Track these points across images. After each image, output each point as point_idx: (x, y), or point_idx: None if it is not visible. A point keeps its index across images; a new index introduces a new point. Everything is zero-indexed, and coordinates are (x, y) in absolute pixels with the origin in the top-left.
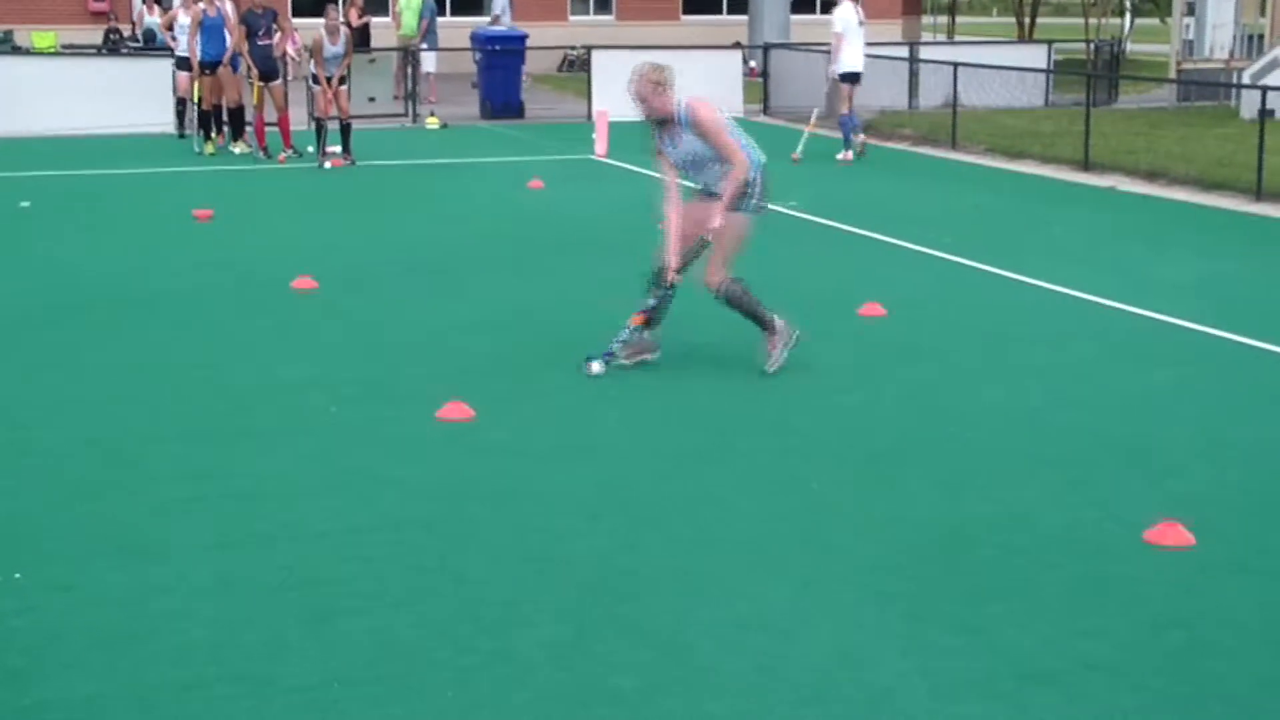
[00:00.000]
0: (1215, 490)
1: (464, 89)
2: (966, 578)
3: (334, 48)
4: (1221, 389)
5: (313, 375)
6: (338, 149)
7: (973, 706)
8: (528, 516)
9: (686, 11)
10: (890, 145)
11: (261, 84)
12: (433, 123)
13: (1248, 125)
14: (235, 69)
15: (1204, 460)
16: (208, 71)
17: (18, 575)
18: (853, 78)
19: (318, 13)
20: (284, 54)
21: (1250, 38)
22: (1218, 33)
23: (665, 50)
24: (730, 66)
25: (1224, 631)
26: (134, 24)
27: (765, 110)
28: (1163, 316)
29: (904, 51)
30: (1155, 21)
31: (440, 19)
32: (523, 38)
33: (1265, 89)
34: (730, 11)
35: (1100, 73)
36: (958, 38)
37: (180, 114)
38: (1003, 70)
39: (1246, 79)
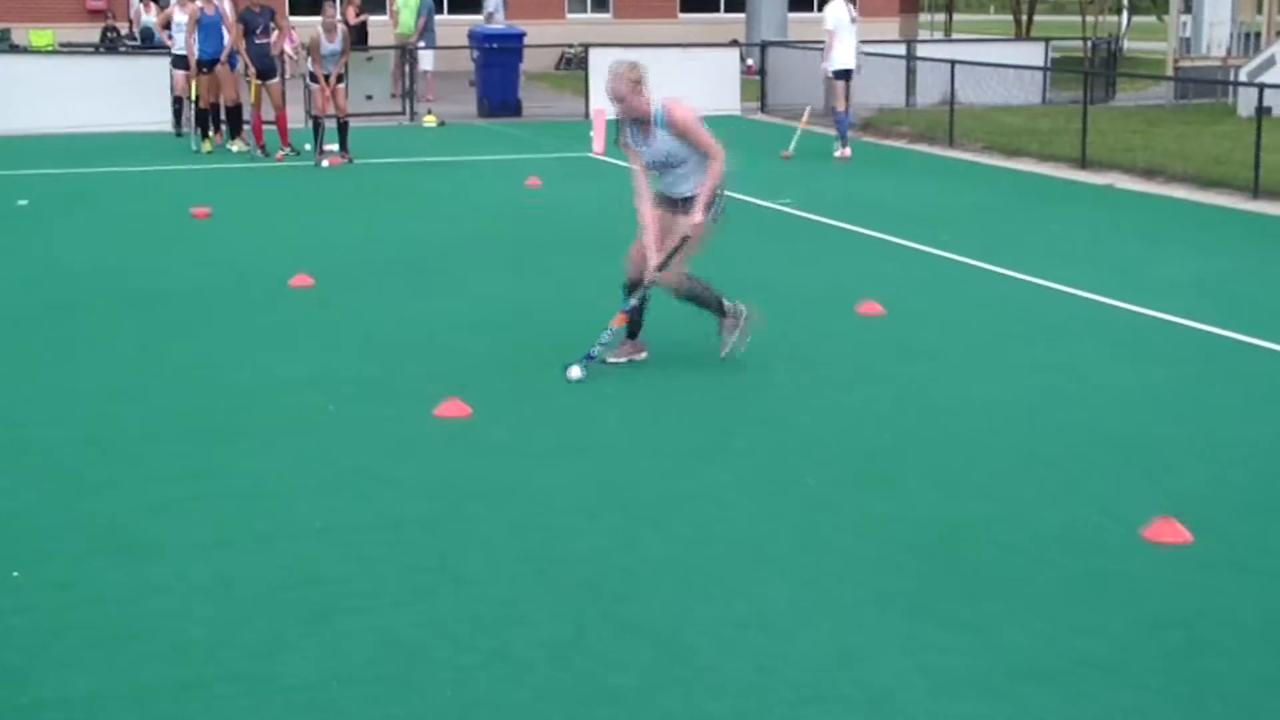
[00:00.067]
0: (1214, 488)
1: (461, 87)
2: (965, 576)
3: (331, 45)
4: (1219, 386)
5: (311, 374)
6: (335, 147)
7: (972, 705)
8: (527, 515)
9: (684, 9)
10: (887, 143)
11: (259, 82)
12: (430, 121)
13: (1245, 123)
14: (233, 67)
15: (1202, 458)
16: (205, 70)
17: (16, 574)
18: (845, 74)
19: (315, 10)
20: (281, 52)
21: (1247, 35)
22: (1215, 30)
23: (662, 48)
24: (728, 64)
25: (1223, 630)
26: (131, 22)
27: (763, 108)
28: (1160, 314)
29: (901, 49)
30: (1152, 19)
31: (438, 17)
32: (520, 36)
33: (1262, 86)
34: (728, 9)
35: (1097, 70)
36: (955, 35)
37: (177, 112)
38: (1000, 68)
39: (1243, 77)
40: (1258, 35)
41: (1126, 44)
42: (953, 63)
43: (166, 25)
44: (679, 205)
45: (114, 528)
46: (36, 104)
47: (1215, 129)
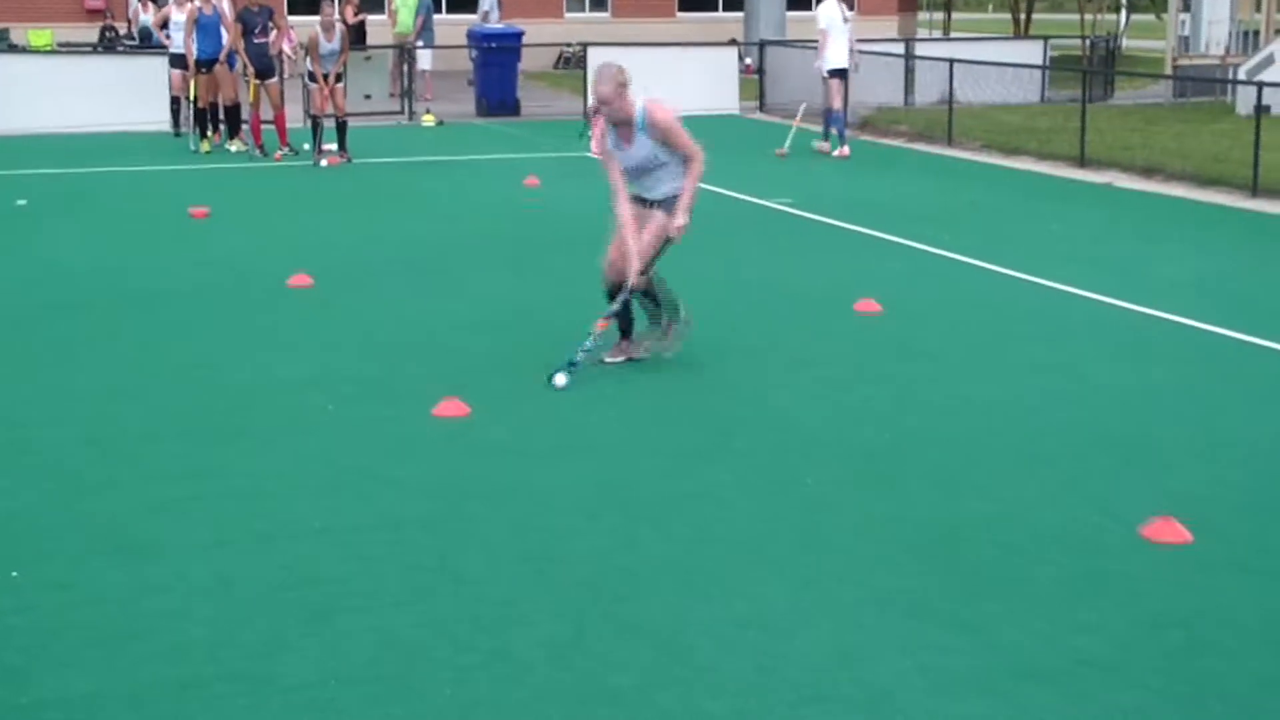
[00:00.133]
0: (1213, 488)
1: (460, 86)
2: (965, 576)
3: (330, 44)
4: (1219, 386)
5: (310, 374)
6: (334, 147)
7: (972, 705)
8: (526, 515)
9: (682, 8)
10: (886, 142)
11: (257, 82)
12: (429, 120)
13: (1243, 121)
14: (231, 67)
15: (1201, 457)
16: (204, 69)
17: (15, 573)
18: (840, 73)
19: (313, 10)
20: (280, 52)
21: (1246, 34)
22: (1213, 29)
23: (661, 47)
24: (726, 63)
25: (1223, 630)
26: (130, 22)
27: (761, 107)
28: (1159, 313)
29: (900, 48)
30: (1151, 17)
31: (436, 16)
32: (519, 35)
33: (1261, 85)
34: (726, 8)
35: (1096, 69)
36: (953, 34)
37: (175, 112)
38: (999, 66)
39: (1242, 75)
40: (1256, 33)
41: (1125, 42)
42: (951, 61)
43: (164, 24)
44: (654, 205)
45: (114, 528)
46: (35, 104)
47: (1214, 127)
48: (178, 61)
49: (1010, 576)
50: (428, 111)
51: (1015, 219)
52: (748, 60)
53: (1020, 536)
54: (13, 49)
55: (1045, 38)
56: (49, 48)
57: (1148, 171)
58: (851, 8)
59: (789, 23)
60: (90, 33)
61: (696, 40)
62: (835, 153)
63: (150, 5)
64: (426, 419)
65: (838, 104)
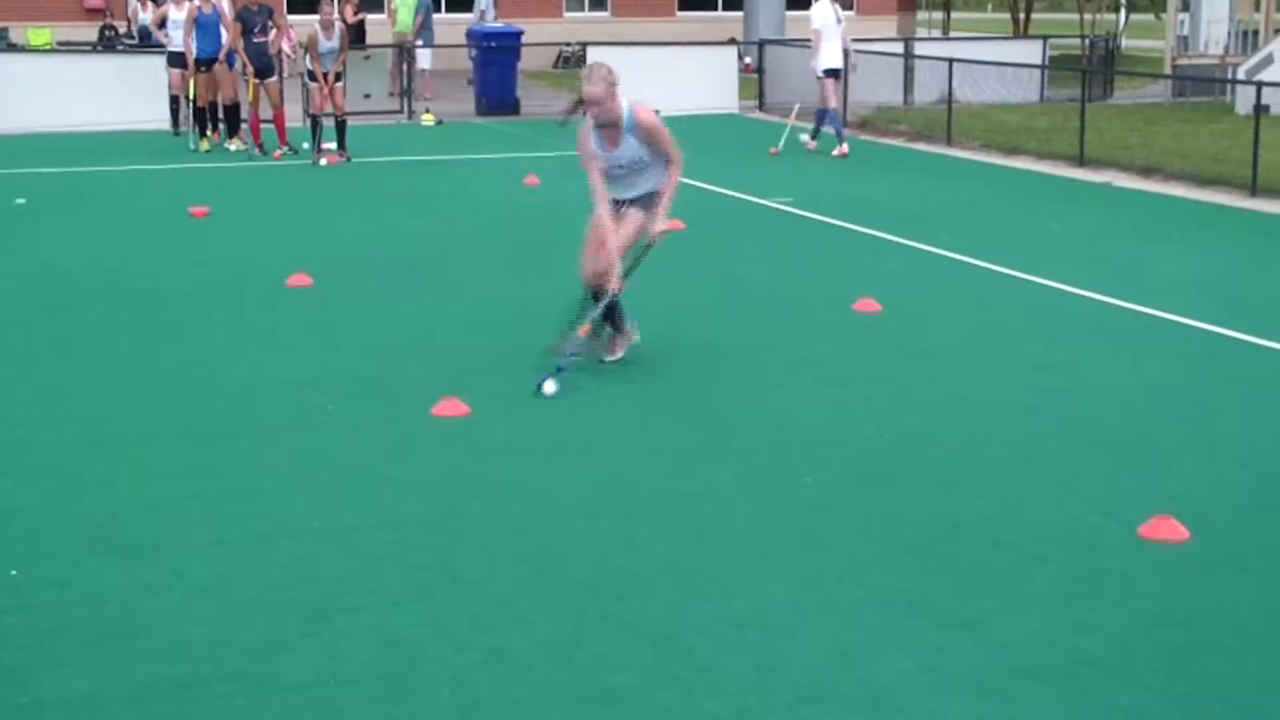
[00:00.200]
0: (1213, 487)
1: (459, 85)
2: (964, 575)
3: (329, 43)
4: (1218, 385)
5: (309, 373)
6: (333, 146)
7: (971, 704)
8: (525, 515)
9: (682, 7)
10: (885, 141)
11: (257, 81)
12: (428, 120)
13: (1243, 121)
14: (231, 66)
15: (1201, 457)
16: (203, 68)
17: (14, 573)
18: (834, 73)
19: (313, 9)
20: (279, 51)
21: (1245, 33)
22: (1213, 28)
23: (660, 46)
24: (726, 62)
25: (1222, 630)
26: (129, 21)
27: (760, 106)
28: (1158, 312)
29: (899, 47)
30: (1150, 17)
31: (435, 16)
32: (518, 34)
33: (1260, 84)
34: (726, 8)
35: (1095, 68)
36: (953, 33)
37: (174, 111)
38: (998, 66)
39: (1241, 75)
40: (1255, 33)
41: (1124, 42)
42: (951, 61)
43: (161, 24)
44: (630, 204)
45: (113, 527)
46: (34, 103)
47: (1213, 127)
48: (176, 60)
49: (1010, 576)
50: (427, 111)
51: (1014, 218)
52: (747, 59)
53: (1020, 536)
54: (12, 48)
55: (1044, 37)
56: (48, 47)
57: (1147, 171)
58: (845, 7)
59: (788, 22)
60: (90, 32)
61: (696, 40)
62: (835, 151)
63: (149, 4)
64: (426, 419)
65: (833, 103)
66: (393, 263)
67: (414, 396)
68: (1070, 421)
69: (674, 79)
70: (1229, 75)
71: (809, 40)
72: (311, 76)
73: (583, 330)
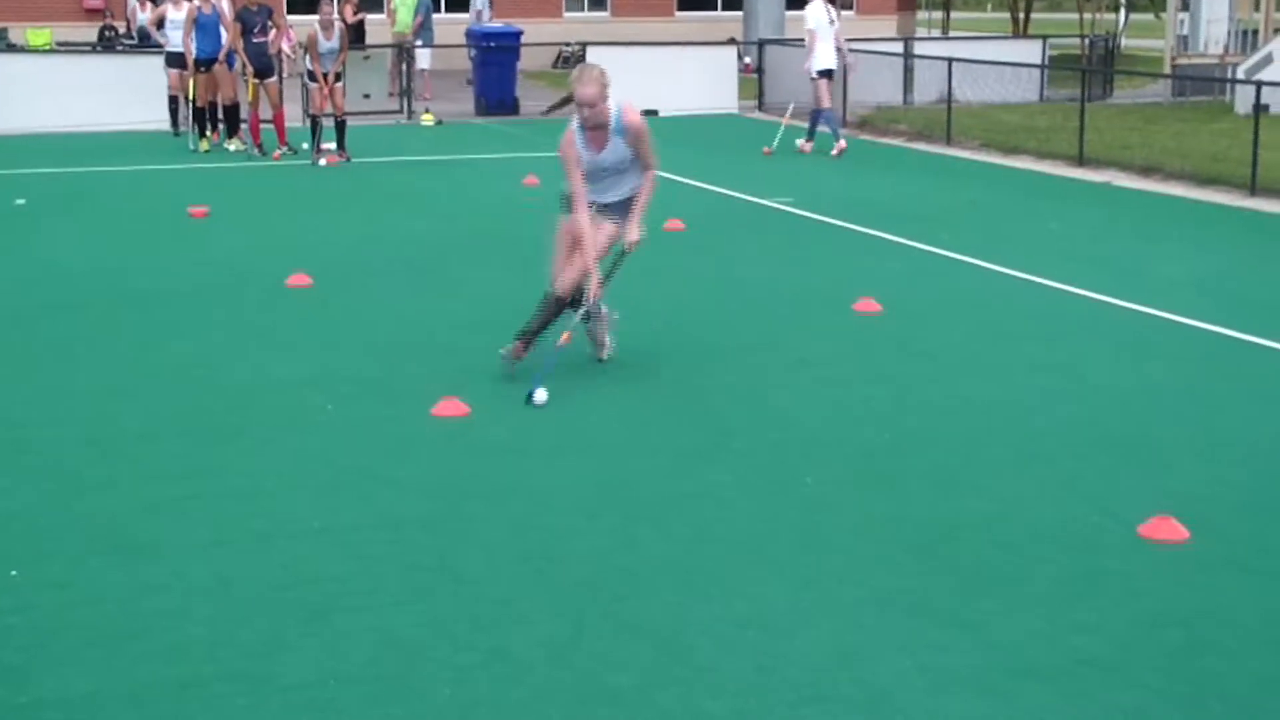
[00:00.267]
0: (1213, 487)
1: (459, 85)
2: (964, 575)
3: (329, 43)
4: (1218, 385)
5: (309, 373)
6: (333, 146)
7: (971, 704)
8: (525, 514)
9: (681, 7)
10: (885, 141)
11: (256, 81)
12: (428, 120)
13: (1242, 120)
14: (230, 66)
15: (1201, 457)
16: (203, 69)
17: (14, 573)
18: (828, 74)
19: (312, 9)
20: (279, 51)
21: (1245, 33)
22: (1212, 28)
23: (660, 46)
24: (725, 62)
25: (1222, 630)
26: (129, 21)
27: (760, 106)
28: (1158, 311)
29: (898, 47)
30: (1150, 17)
31: (435, 16)
32: (517, 34)
33: (1260, 84)
34: (725, 7)
35: (1095, 68)
36: (952, 33)
37: (173, 111)
38: (998, 65)
39: (1241, 74)
40: (1255, 33)
41: (1124, 41)
42: (950, 60)
43: (159, 24)
44: (605, 209)
45: (113, 527)
46: (34, 103)
47: (1212, 126)
48: (174, 61)
49: (1010, 576)
50: (427, 111)
51: (1014, 218)
52: (747, 59)
53: (1019, 536)
54: (11, 48)
55: (1044, 37)
56: (48, 47)
57: (1146, 170)
58: (839, 7)
59: (788, 22)
60: (89, 32)
61: (695, 39)
62: (833, 150)
63: (148, 4)
64: (426, 418)
65: (827, 103)
66: (392, 263)
67: (414, 396)
68: (1070, 421)
69: (673, 79)
70: (1228, 75)
71: (805, 40)
72: (311, 77)
73: (564, 338)
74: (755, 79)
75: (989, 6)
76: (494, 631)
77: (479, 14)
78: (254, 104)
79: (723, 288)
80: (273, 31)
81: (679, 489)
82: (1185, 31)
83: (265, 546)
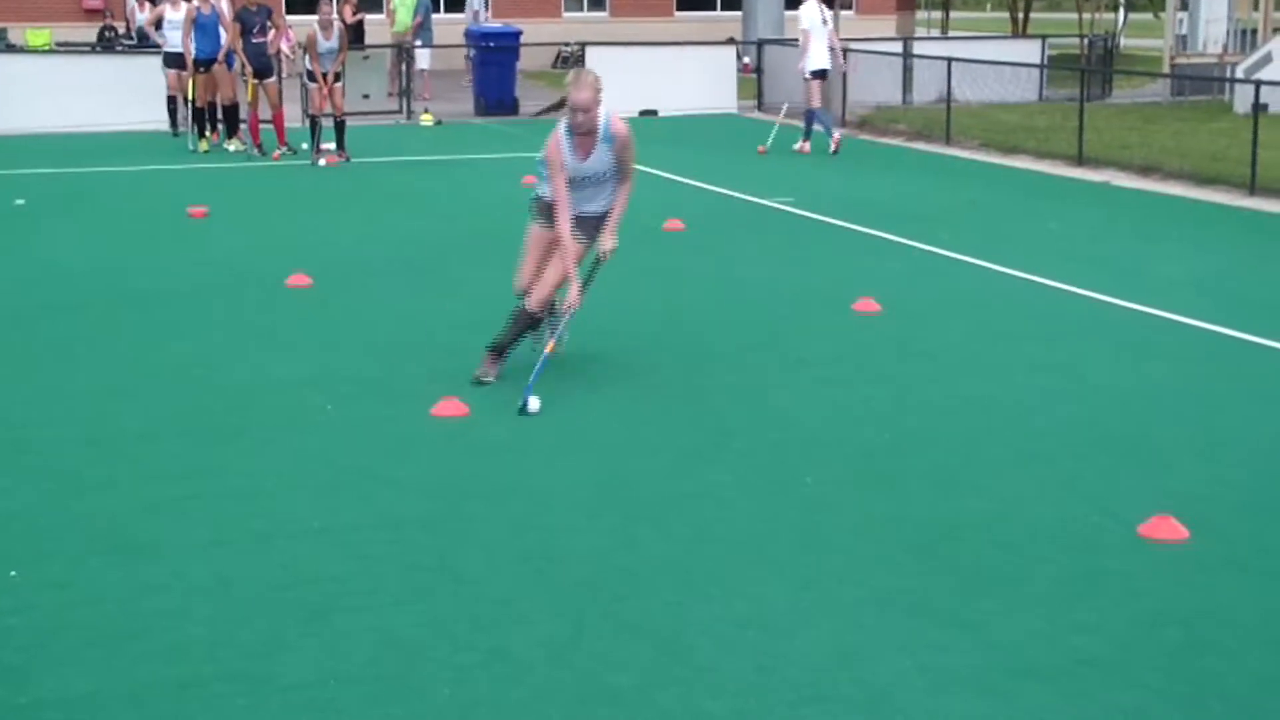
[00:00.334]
0: (1212, 487)
1: (459, 85)
2: (964, 575)
3: (328, 43)
4: (1218, 384)
5: (309, 373)
6: (332, 146)
7: (971, 704)
8: (525, 514)
9: (681, 7)
10: (884, 141)
11: (256, 81)
12: (427, 120)
13: (1241, 120)
14: (230, 66)
15: (1200, 456)
16: (202, 69)
17: (14, 573)
18: (822, 74)
19: (312, 9)
20: (278, 51)
21: (1244, 32)
22: (1211, 27)
23: (659, 46)
24: (724, 62)
25: (1222, 629)
26: (128, 21)
27: (759, 106)
28: (1157, 311)
29: (898, 46)
30: (1149, 16)
31: (435, 16)
32: (517, 34)
33: (1259, 83)
34: (724, 7)
35: (1094, 68)
36: (951, 33)
37: (172, 112)
38: (997, 65)
39: (1240, 74)
40: (1254, 32)
41: (1123, 41)
42: (949, 60)
43: (157, 24)
44: (583, 220)
45: (112, 527)
46: (33, 103)
47: (1211, 126)
48: (171, 61)
49: (1009, 576)
50: (426, 111)
51: (1013, 218)
52: (746, 59)
53: (1019, 535)
54: (11, 48)
55: (1043, 36)
56: (47, 47)
57: (1146, 170)
58: (837, 7)
59: (787, 22)
60: (89, 32)
61: (695, 39)
62: (830, 145)
63: (146, 4)
64: (425, 418)
65: (816, 103)
66: (392, 263)
67: (414, 396)
68: (1070, 421)
69: (673, 79)
70: (1227, 74)
71: (800, 41)
72: (310, 77)
73: (549, 347)
74: (754, 79)
75: (988, 6)
76: (494, 631)
77: (475, 14)
78: (253, 104)
79: (722, 288)
80: (272, 32)
81: (679, 489)
82: (1184, 31)
83: (265, 546)
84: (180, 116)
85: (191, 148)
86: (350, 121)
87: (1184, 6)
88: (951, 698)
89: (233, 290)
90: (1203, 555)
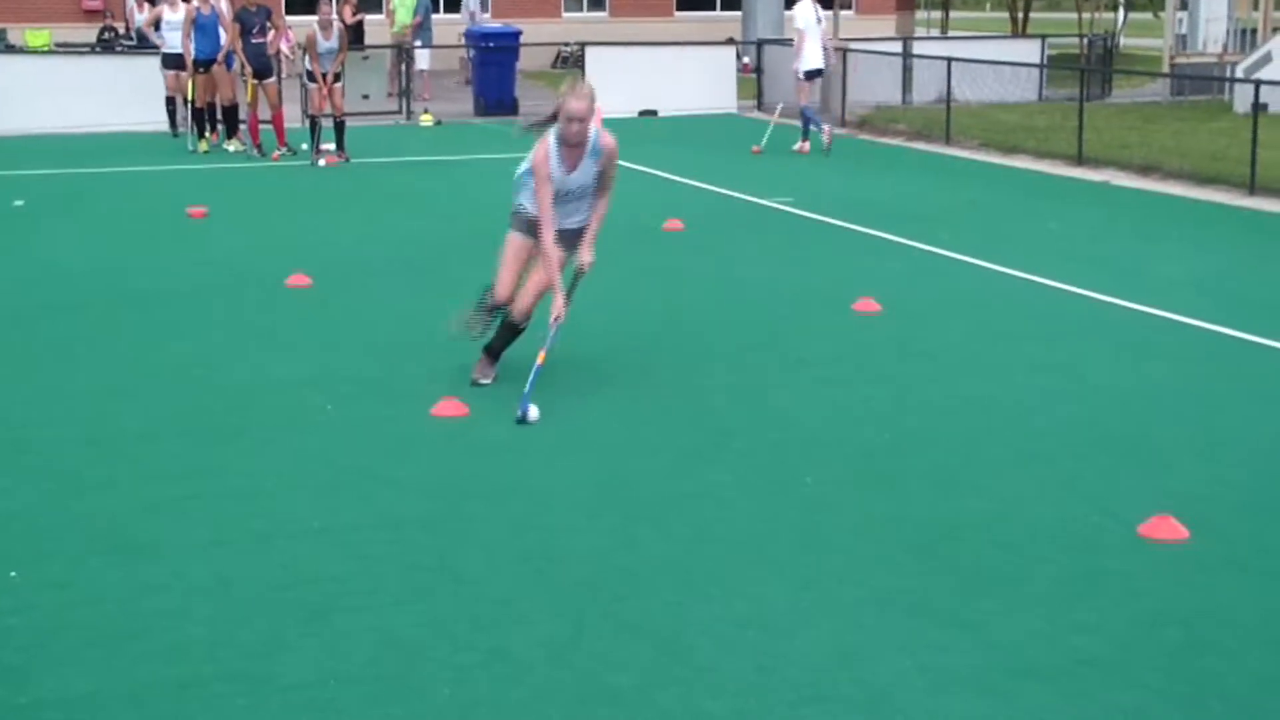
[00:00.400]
0: (1212, 487)
1: (458, 85)
2: (964, 575)
3: (328, 43)
4: (1218, 384)
5: (308, 373)
6: (332, 146)
7: (971, 704)
8: (525, 514)
9: (680, 7)
10: (884, 141)
11: (255, 81)
12: (427, 120)
13: (1241, 119)
14: (229, 67)
15: (1201, 456)
16: (202, 69)
17: (14, 573)
18: (816, 74)
19: (311, 10)
20: (278, 52)
21: (1243, 32)
22: (1211, 27)
23: (659, 46)
24: (724, 62)
25: (1222, 629)
26: (128, 22)
27: (759, 106)
28: (1157, 311)
29: (898, 46)
30: (1149, 16)
31: (434, 16)
32: (516, 34)
33: (1258, 83)
34: (724, 8)
35: (1094, 67)
36: (951, 32)
37: (172, 113)
38: (996, 65)
39: (1240, 73)
40: (1254, 32)
41: (1123, 41)
42: (949, 60)
43: (156, 25)
44: (566, 234)
45: (112, 527)
46: (33, 104)
47: (1211, 125)
48: (170, 61)
49: (1009, 576)
50: (426, 111)
51: (1013, 218)
52: (745, 59)
53: (1019, 535)
54: (10, 49)
55: (1043, 36)
56: (47, 48)
57: (1145, 170)
58: (836, 7)
59: (786, 22)
60: (88, 33)
61: (694, 39)
62: (823, 141)
63: (146, 5)
64: (425, 419)
65: (805, 100)
66: (392, 263)
67: (414, 396)
68: (1070, 421)
69: (672, 79)
70: (1227, 74)
71: (794, 40)
72: (310, 77)
73: (540, 359)
74: (754, 79)
75: (988, 6)
76: (494, 631)
77: (472, 14)
78: (253, 105)
79: (722, 288)
80: (271, 32)
81: (679, 489)
82: (1184, 30)
83: (265, 546)
84: (180, 117)
85: (191, 148)
86: (350, 122)
87: (1184, 6)
88: (951, 698)
89: (232, 290)
90: (1203, 555)
